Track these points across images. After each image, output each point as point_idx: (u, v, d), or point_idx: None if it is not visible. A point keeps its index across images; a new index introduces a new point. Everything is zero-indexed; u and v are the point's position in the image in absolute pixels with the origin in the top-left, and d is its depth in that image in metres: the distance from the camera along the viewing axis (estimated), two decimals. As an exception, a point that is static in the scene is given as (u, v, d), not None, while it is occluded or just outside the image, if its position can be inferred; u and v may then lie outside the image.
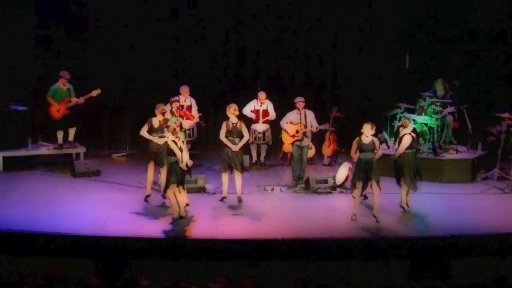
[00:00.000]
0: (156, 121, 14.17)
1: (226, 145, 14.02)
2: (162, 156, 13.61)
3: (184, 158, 12.82)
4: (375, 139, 13.23)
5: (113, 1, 18.12)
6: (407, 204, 13.61)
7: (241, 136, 14.04)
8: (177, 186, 12.86)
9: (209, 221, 13.14)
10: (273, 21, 18.43)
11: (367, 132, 13.12)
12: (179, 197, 12.91)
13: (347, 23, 18.47)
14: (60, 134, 16.57)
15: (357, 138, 13.21)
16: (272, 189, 14.98)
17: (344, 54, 18.59)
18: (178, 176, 12.81)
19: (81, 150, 16.78)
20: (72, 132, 16.67)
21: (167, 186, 12.84)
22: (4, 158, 16.27)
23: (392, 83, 18.12)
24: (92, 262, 11.69)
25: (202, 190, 14.71)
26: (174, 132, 12.83)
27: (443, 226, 12.83)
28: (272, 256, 12.03)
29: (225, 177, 14.12)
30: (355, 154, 13.19)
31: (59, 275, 9.52)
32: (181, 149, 12.82)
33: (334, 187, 15.01)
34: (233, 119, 14.09)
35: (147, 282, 9.65)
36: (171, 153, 12.78)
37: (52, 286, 9.25)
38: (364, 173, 13.04)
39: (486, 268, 11.18)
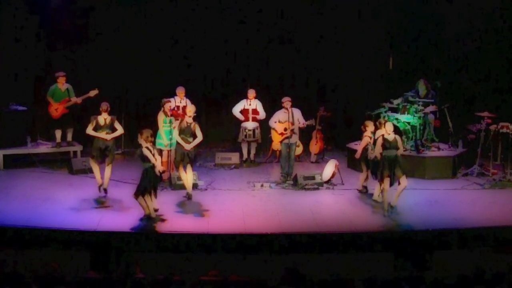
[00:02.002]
0: (101, 119, 14.41)
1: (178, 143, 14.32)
2: (110, 152, 14.06)
3: (158, 165, 12.94)
4: (397, 137, 13.52)
5: (111, 3, 18.23)
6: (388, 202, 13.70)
7: (194, 136, 14.26)
8: (150, 192, 12.95)
9: (201, 216, 13.27)
10: (263, 23, 18.61)
11: (389, 130, 13.43)
12: (150, 203, 12.94)
13: (333, 25, 18.60)
14: (58, 133, 16.70)
15: (380, 136, 13.48)
16: (262, 186, 15.20)
17: (330, 55, 18.71)
18: (151, 182, 12.86)
19: (78, 148, 16.89)
20: (70, 133, 16.81)
21: (140, 191, 12.79)
22: (4, 156, 16.38)
23: (376, 83, 18.40)
24: (89, 255, 11.89)
25: (194, 186, 14.76)
26: (147, 140, 12.88)
27: (425, 220, 13.01)
28: (261, 250, 12.25)
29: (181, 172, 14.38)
30: (379, 153, 13.46)
31: (57, 268, 9.74)
32: (154, 156, 12.93)
33: (321, 184, 15.21)
34: (188, 119, 14.32)
35: (141, 275, 9.80)
36: (145, 159, 12.80)
37: (50, 278, 9.35)
38: (391, 169, 13.33)
39: (466, 260, 11.41)
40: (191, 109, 14.42)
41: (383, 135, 13.46)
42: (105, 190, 14.35)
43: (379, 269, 11.26)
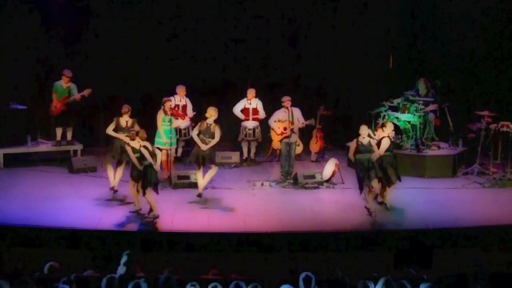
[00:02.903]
0: (123, 121, 14.39)
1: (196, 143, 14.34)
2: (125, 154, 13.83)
3: (158, 162, 13.07)
4: (372, 141, 13.52)
5: (112, 3, 18.25)
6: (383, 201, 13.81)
7: (213, 138, 14.25)
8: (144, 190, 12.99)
9: (201, 215, 13.26)
10: (264, 22, 18.60)
11: (364, 134, 13.44)
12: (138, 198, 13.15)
13: (333, 25, 18.63)
14: (58, 131, 16.72)
15: (355, 140, 13.53)
16: (262, 184, 15.23)
17: (330, 54, 18.73)
18: (153, 179, 12.96)
19: (79, 147, 16.91)
20: (69, 132, 16.82)
21: (145, 188, 12.86)
22: (5, 155, 16.40)
23: (376, 82, 18.40)
24: (89, 254, 11.92)
25: (194, 185, 14.80)
26: (142, 138, 13.01)
27: (425, 219, 13.04)
28: (261, 248, 12.26)
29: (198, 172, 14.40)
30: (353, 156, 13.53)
31: (57, 267, 9.72)
32: (151, 153, 13.00)
33: (321, 182, 15.25)
34: (209, 120, 14.30)
35: (142, 274, 9.76)
36: (143, 157, 12.87)
37: (51, 277, 9.33)
38: (365, 172, 13.35)
39: (466, 259, 11.37)
40: (211, 112, 14.36)
41: (357, 139, 13.50)
42: (115, 190, 14.33)
43: (379, 268, 11.12)
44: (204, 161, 14.29)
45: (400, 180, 13.75)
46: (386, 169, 13.57)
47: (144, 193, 12.96)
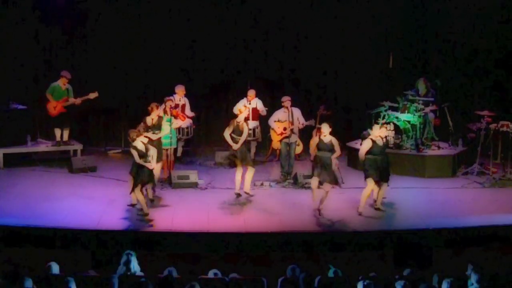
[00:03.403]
0: (149, 120, 14.26)
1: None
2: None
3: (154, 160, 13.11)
4: (334, 140, 13.45)
5: (111, 3, 18.23)
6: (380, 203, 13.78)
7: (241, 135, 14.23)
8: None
9: (201, 216, 13.25)
10: (264, 22, 18.59)
11: (326, 132, 13.40)
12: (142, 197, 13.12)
13: (333, 24, 18.58)
14: (57, 132, 16.73)
15: (316, 137, 13.58)
16: (262, 184, 15.21)
17: (331, 54, 18.72)
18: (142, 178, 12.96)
19: (78, 147, 16.91)
20: (66, 132, 16.80)
21: (135, 186, 12.91)
22: (5, 155, 16.39)
23: (376, 82, 18.39)
24: (89, 254, 11.91)
25: (194, 185, 14.90)
26: (139, 135, 13.05)
27: (425, 219, 13.09)
28: (262, 249, 12.28)
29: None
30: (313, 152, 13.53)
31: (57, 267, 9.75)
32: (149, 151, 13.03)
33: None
34: (238, 118, 14.30)
35: (141, 274, 9.79)
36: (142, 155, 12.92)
37: (50, 277, 9.39)
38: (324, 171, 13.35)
39: (466, 259, 11.11)
40: (241, 109, 14.44)
41: (319, 136, 13.50)
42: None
43: (379, 268, 11.22)
44: (243, 159, 14.22)
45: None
46: (380, 170, 13.53)
47: (132, 190, 12.97)
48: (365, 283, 8.80)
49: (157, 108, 14.30)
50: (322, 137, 13.43)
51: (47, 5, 17.78)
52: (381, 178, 13.46)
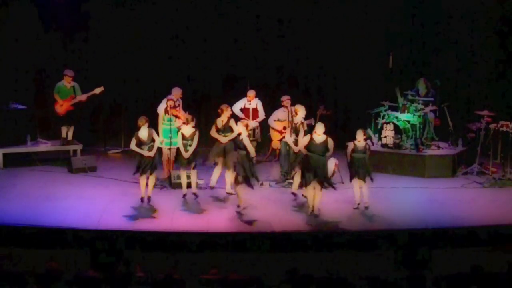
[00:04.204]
0: (219, 121, 14.44)
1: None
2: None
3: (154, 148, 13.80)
4: (329, 140, 13.45)
5: (112, 3, 18.25)
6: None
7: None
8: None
9: (201, 215, 13.30)
10: (264, 22, 18.60)
11: (320, 132, 13.39)
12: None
13: (333, 24, 18.58)
14: (64, 130, 16.73)
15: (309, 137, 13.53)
16: (261, 184, 15.08)
17: (330, 54, 18.71)
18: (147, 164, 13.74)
19: (78, 147, 16.86)
20: (70, 131, 16.81)
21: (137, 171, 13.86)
22: (5, 155, 16.37)
23: (376, 82, 18.39)
24: (89, 254, 11.80)
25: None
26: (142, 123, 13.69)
27: (425, 219, 13.10)
28: (262, 248, 12.26)
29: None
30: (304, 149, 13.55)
31: (57, 267, 9.65)
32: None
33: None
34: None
35: (141, 274, 9.78)
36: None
37: (50, 277, 9.36)
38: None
39: (465, 259, 11.31)
40: (301, 110, 14.65)
41: (311, 136, 13.47)
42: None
43: (379, 268, 11.15)
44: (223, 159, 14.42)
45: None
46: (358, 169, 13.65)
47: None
48: None
49: (227, 109, 14.46)
50: (314, 136, 13.36)
51: (48, 7, 17.82)
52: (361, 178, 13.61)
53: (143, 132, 13.72)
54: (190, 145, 14.05)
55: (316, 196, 13.38)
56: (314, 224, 12.95)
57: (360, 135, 13.71)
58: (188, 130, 14.09)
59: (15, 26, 17.66)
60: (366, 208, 13.70)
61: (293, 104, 15.58)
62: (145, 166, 13.72)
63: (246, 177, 13.41)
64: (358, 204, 13.77)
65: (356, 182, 13.71)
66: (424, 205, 14.10)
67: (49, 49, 18.08)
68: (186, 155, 14.01)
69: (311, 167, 13.30)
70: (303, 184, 13.67)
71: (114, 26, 18.16)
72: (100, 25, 18.21)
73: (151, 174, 13.83)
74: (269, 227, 12.70)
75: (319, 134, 13.33)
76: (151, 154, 13.72)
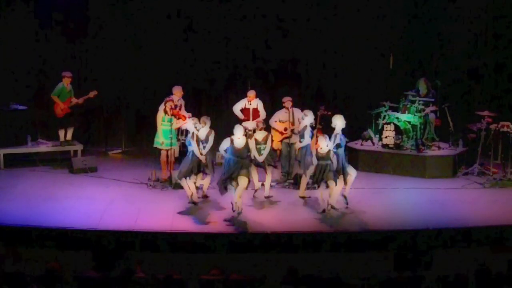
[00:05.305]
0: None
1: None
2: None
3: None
4: (332, 151, 13.62)
5: (112, 3, 18.29)
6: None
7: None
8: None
9: (201, 215, 13.27)
10: (264, 21, 18.55)
11: (323, 146, 13.59)
12: (192, 187, 13.98)
13: (333, 25, 18.57)
14: (61, 133, 16.74)
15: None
16: (262, 185, 14.93)
17: (331, 54, 18.74)
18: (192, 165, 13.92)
19: (79, 147, 16.89)
20: (70, 132, 16.83)
21: (181, 174, 13.88)
22: (5, 155, 16.39)
23: (377, 83, 18.38)
24: (90, 254, 11.89)
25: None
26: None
27: (426, 219, 13.07)
28: (262, 249, 12.29)
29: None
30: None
31: (58, 268, 9.60)
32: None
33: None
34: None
35: (142, 274, 9.79)
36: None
37: (51, 278, 9.34)
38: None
39: (466, 260, 11.44)
40: (309, 114, 14.77)
41: (316, 149, 13.62)
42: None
43: (379, 268, 11.27)
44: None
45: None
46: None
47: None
48: None
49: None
50: (319, 150, 13.54)
51: (48, 8, 17.84)
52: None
53: (202, 132, 13.94)
54: (264, 149, 14.26)
55: (333, 191, 13.48)
56: (315, 225, 12.93)
57: (322, 142, 13.72)
58: (260, 135, 14.30)
59: (15, 26, 17.67)
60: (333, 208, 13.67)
61: (294, 105, 15.63)
62: (193, 167, 13.82)
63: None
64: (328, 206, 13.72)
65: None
66: (425, 205, 14.06)
67: (49, 49, 18.09)
68: (260, 158, 14.20)
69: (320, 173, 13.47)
70: (314, 182, 13.68)
71: (115, 26, 18.18)
72: (101, 25, 18.24)
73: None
74: (270, 228, 12.69)
75: (322, 147, 13.59)
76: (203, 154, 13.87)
